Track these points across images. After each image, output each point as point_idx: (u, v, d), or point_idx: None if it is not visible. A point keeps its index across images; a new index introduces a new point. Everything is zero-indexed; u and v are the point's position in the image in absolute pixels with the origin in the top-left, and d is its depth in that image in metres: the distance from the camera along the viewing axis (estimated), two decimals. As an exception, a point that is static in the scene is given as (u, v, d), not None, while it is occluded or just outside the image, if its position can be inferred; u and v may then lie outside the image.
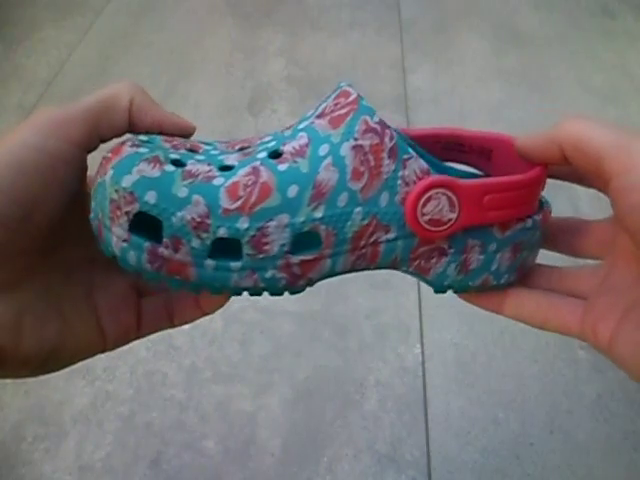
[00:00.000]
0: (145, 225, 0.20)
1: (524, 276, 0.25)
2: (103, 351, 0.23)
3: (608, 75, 1.22)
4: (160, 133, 0.23)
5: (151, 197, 0.19)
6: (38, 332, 0.20)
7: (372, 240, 0.22)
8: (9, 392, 0.74)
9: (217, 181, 0.20)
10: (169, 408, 0.73)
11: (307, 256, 0.21)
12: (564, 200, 0.96)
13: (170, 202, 0.19)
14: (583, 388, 0.74)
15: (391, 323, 0.81)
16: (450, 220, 0.22)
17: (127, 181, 0.19)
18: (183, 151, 0.22)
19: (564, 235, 0.26)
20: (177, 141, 0.23)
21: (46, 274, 0.21)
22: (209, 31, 1.36)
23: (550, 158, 0.23)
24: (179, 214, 0.19)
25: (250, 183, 0.20)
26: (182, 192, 0.20)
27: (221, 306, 0.24)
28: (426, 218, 0.22)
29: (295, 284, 0.22)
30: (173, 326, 0.25)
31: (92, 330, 0.23)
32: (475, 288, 0.24)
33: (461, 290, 0.25)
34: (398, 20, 1.37)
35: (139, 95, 0.23)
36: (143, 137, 0.22)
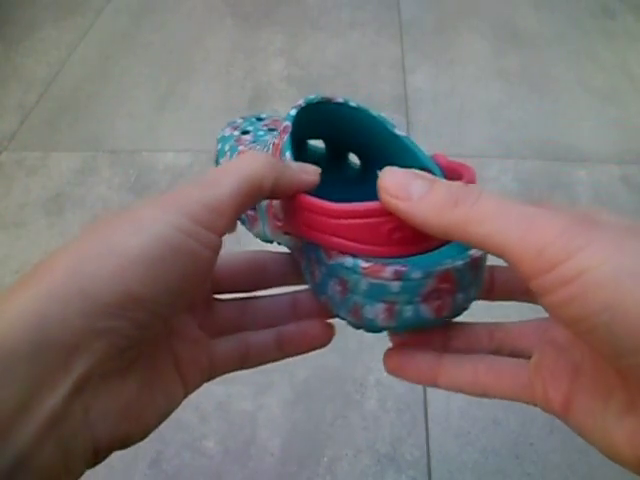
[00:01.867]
0: None
1: (459, 338, 0.24)
2: (184, 398, 0.22)
3: (608, 75, 1.22)
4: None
5: None
6: (154, 404, 0.20)
7: None
8: (9, 392, 0.74)
9: None
10: (169, 408, 0.73)
11: None
12: (563, 200, 0.96)
13: None
14: (583, 388, 0.74)
15: (391, 323, 0.81)
16: (280, 220, 0.24)
17: None
18: None
19: (515, 282, 0.24)
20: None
21: (145, 342, 0.19)
22: (209, 31, 1.36)
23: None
24: None
25: None
26: None
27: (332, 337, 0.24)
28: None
29: None
30: (243, 368, 0.24)
31: (175, 380, 0.22)
32: (348, 319, 0.23)
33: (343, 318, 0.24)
34: (398, 20, 1.37)
35: (279, 177, 0.21)
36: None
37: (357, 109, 0.25)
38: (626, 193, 0.98)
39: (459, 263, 0.21)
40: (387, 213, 0.19)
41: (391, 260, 0.21)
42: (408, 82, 1.20)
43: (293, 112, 0.24)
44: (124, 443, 0.19)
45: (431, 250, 0.21)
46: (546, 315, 0.18)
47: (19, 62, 1.29)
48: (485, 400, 0.74)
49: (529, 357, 0.21)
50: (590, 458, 0.68)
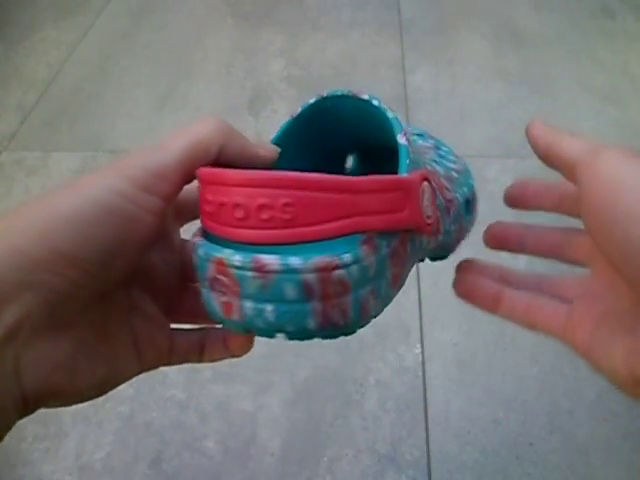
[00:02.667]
0: None
1: (515, 282, 0.26)
2: (137, 374, 0.23)
3: (608, 75, 1.22)
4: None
5: None
6: (91, 366, 0.20)
7: None
8: (9, 392, 0.74)
9: None
10: (169, 408, 0.73)
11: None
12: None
13: None
14: (583, 388, 0.74)
15: (391, 323, 0.81)
16: None
17: None
18: None
19: (556, 243, 0.26)
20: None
21: (96, 307, 0.21)
22: (209, 31, 1.36)
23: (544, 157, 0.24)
24: None
25: None
26: None
27: (248, 350, 0.24)
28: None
29: None
30: (202, 361, 0.25)
31: (131, 354, 0.22)
32: None
33: None
34: (398, 20, 1.37)
35: (229, 141, 0.21)
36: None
37: (377, 108, 0.23)
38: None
39: (237, 258, 0.18)
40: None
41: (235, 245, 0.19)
42: (408, 82, 1.20)
43: (312, 100, 0.24)
44: (56, 398, 0.19)
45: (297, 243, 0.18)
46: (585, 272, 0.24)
47: (19, 62, 1.29)
48: (485, 400, 0.74)
49: (568, 301, 0.24)
50: (590, 458, 0.68)
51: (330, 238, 0.18)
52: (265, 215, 0.18)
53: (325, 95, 0.24)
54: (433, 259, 0.28)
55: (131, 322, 0.22)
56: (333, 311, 0.19)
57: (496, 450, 0.69)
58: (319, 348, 0.78)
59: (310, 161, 0.25)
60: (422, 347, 0.79)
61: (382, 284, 0.21)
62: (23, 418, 0.19)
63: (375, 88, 1.18)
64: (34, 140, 1.11)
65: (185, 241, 0.25)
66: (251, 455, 0.70)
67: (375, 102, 0.23)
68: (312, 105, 0.24)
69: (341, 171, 0.29)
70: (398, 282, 0.22)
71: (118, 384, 0.22)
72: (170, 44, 1.32)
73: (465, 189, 0.28)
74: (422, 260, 0.27)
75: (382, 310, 0.22)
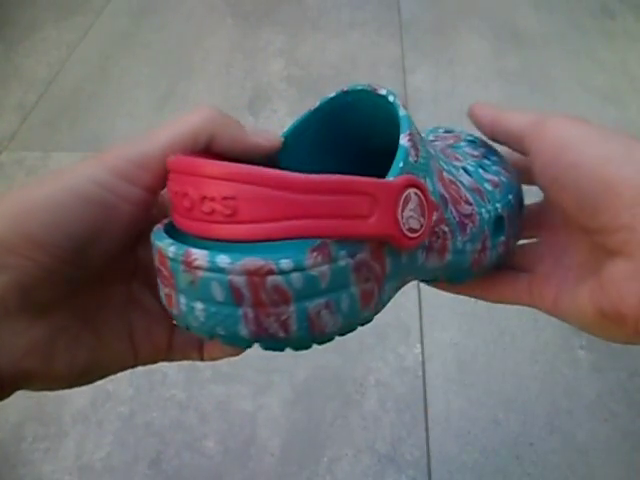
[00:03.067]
0: None
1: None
2: (133, 367, 0.23)
3: (608, 75, 1.22)
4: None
5: None
6: (71, 353, 0.20)
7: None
8: (9, 392, 0.74)
9: None
10: (169, 408, 0.73)
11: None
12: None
13: None
14: (583, 388, 0.74)
15: (391, 323, 0.81)
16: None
17: None
18: None
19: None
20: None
21: (85, 293, 0.21)
22: (209, 31, 1.36)
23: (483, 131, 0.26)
24: None
25: None
26: None
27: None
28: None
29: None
30: (202, 359, 0.25)
31: (125, 346, 0.22)
32: None
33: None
34: (398, 20, 1.37)
35: (220, 131, 0.21)
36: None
37: (392, 104, 0.22)
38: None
39: (171, 249, 0.17)
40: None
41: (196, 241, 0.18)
42: (408, 82, 1.20)
43: (332, 94, 0.23)
44: (30, 382, 0.19)
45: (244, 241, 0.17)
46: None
47: (19, 62, 1.29)
48: (485, 400, 0.74)
49: (526, 271, 0.26)
50: (590, 458, 0.68)
51: (274, 240, 0.16)
52: (206, 208, 0.16)
53: (346, 89, 0.23)
54: (451, 281, 0.25)
55: (128, 315, 0.23)
56: (269, 321, 0.18)
57: (496, 450, 0.69)
58: (319, 348, 0.78)
59: (327, 157, 0.25)
60: (422, 347, 0.79)
61: (342, 299, 0.18)
62: (2, 400, 0.19)
63: (375, 88, 1.18)
64: (34, 140, 1.11)
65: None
66: (251, 455, 0.70)
67: (391, 98, 0.22)
68: (332, 99, 0.23)
69: (356, 169, 0.28)
70: (372, 301, 0.20)
71: (109, 373, 0.22)
72: (170, 44, 1.32)
73: (498, 205, 0.25)
74: (431, 281, 0.25)
75: (349, 329, 0.20)
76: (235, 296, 0.17)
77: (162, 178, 0.20)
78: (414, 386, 0.75)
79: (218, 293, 0.17)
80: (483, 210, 0.24)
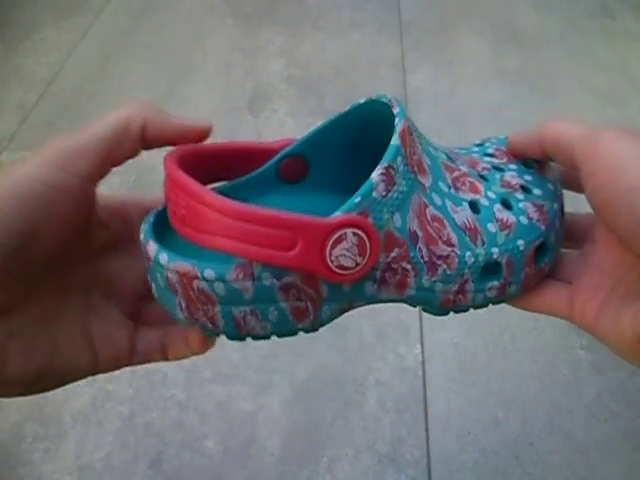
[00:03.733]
0: None
1: None
2: (94, 374, 0.23)
3: (608, 75, 1.22)
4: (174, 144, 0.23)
5: None
6: (25, 356, 0.20)
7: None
8: (9, 392, 0.74)
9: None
10: (169, 408, 0.73)
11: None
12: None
13: None
14: (583, 388, 0.74)
15: (391, 323, 0.81)
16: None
17: None
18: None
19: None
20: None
21: (41, 299, 0.21)
22: (209, 31, 1.36)
23: (534, 154, 0.25)
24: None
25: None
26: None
27: (207, 346, 0.24)
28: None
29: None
30: (167, 359, 0.25)
31: (84, 353, 0.22)
32: None
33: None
34: (398, 20, 1.37)
35: (151, 116, 0.22)
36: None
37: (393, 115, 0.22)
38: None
39: (141, 237, 0.21)
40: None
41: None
42: (408, 82, 1.20)
43: (362, 100, 0.24)
44: (8, 384, 0.20)
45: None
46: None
47: (19, 62, 1.29)
48: (485, 400, 0.74)
49: (568, 282, 0.25)
50: (590, 458, 0.68)
51: (213, 249, 0.19)
52: (178, 211, 0.20)
53: (375, 98, 0.23)
54: (425, 311, 0.26)
55: (87, 322, 0.23)
56: (199, 314, 0.21)
57: (496, 450, 0.69)
58: (319, 348, 0.78)
59: (355, 159, 0.25)
60: (422, 347, 0.78)
61: (269, 311, 0.21)
62: None
63: (375, 88, 1.18)
64: (34, 140, 1.11)
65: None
66: (251, 455, 0.70)
67: (396, 121, 0.22)
68: (362, 105, 0.24)
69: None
70: (306, 318, 0.22)
71: (69, 380, 0.22)
72: (170, 44, 1.32)
73: (495, 250, 0.23)
74: (412, 305, 0.24)
75: (287, 334, 0.22)
76: (171, 287, 0.20)
77: (99, 166, 0.21)
78: (414, 386, 0.75)
79: (160, 281, 0.21)
80: (468, 253, 0.23)
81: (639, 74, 1.21)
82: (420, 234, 0.21)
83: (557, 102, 1.16)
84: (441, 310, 0.24)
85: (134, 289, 0.25)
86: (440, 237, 0.22)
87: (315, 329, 0.22)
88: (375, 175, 0.20)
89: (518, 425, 0.71)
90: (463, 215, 0.23)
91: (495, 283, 0.24)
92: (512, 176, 0.25)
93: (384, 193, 0.20)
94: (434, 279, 0.22)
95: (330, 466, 0.68)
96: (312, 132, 0.25)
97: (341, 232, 0.19)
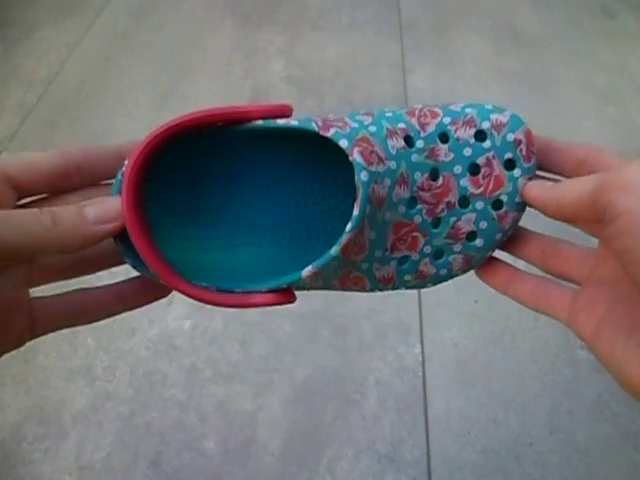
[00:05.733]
0: None
1: (517, 243, 0.26)
2: None
3: (608, 75, 1.22)
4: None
5: None
6: None
7: None
8: (9, 392, 0.74)
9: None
10: (169, 408, 0.73)
11: None
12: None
13: None
14: (583, 388, 0.74)
15: (391, 323, 0.81)
16: None
17: None
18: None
19: (537, 250, 0.26)
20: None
21: None
22: (209, 31, 1.36)
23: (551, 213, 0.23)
24: None
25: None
26: None
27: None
28: None
29: None
30: (80, 324, 0.24)
31: None
32: None
33: None
34: (398, 20, 1.37)
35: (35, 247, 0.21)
36: None
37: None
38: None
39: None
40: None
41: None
42: (408, 82, 1.20)
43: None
44: None
45: None
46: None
47: (19, 62, 1.29)
48: (485, 400, 0.74)
49: (577, 283, 0.24)
50: (590, 458, 0.68)
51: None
52: None
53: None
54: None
55: None
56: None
57: (496, 450, 0.69)
58: (319, 348, 0.78)
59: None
60: (422, 347, 0.78)
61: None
62: None
63: (375, 88, 1.18)
64: (34, 140, 1.11)
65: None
66: (251, 455, 0.70)
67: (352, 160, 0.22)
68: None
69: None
70: None
71: None
72: (170, 44, 1.32)
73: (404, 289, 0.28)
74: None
75: None
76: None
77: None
78: (414, 386, 0.75)
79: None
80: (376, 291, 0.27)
81: (639, 74, 1.21)
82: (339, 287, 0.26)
83: (557, 102, 1.16)
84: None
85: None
86: (356, 284, 0.26)
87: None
88: (304, 273, 0.22)
89: (518, 425, 0.71)
90: (384, 270, 0.25)
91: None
92: (467, 221, 0.25)
93: (309, 282, 0.23)
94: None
95: (330, 466, 0.68)
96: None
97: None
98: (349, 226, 0.22)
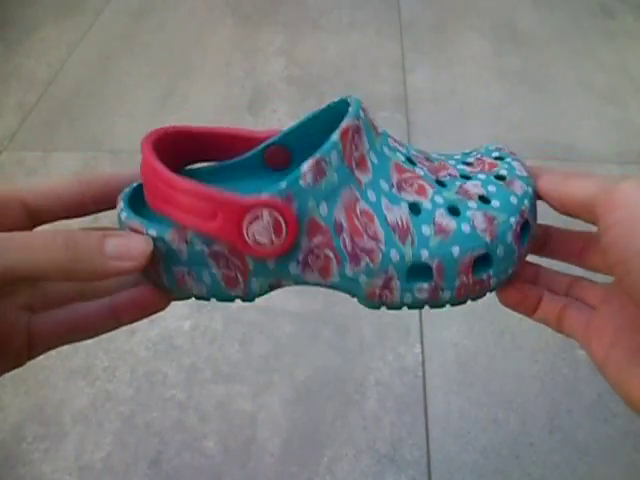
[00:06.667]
0: None
1: (547, 281, 0.26)
2: None
3: (608, 75, 1.22)
4: None
5: None
6: None
7: None
8: (9, 392, 0.74)
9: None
10: (169, 408, 0.73)
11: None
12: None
13: None
14: (583, 388, 0.74)
15: (391, 323, 0.81)
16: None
17: None
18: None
19: (574, 246, 0.26)
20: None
21: None
22: (209, 31, 1.36)
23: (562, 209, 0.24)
24: None
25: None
26: None
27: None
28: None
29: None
30: (76, 340, 0.24)
31: None
32: None
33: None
34: (398, 20, 1.37)
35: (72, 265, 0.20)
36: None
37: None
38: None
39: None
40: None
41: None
42: (408, 82, 1.20)
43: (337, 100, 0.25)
44: None
45: None
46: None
47: (19, 62, 1.29)
48: (485, 400, 0.74)
49: (592, 308, 0.25)
50: (590, 458, 0.68)
51: (165, 215, 0.23)
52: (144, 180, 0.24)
53: (344, 98, 0.25)
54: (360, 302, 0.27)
55: None
56: (148, 268, 0.23)
57: (496, 450, 0.69)
58: (319, 348, 0.78)
59: None
60: (422, 347, 0.78)
61: (204, 274, 0.24)
62: None
63: (375, 88, 1.18)
64: (34, 140, 1.11)
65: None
66: (251, 455, 0.70)
67: (343, 122, 0.24)
68: (336, 103, 0.25)
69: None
70: (237, 286, 0.24)
71: None
72: (170, 44, 1.32)
73: (425, 252, 0.23)
74: (343, 292, 0.25)
75: (224, 299, 0.25)
76: None
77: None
78: (414, 386, 0.75)
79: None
80: (393, 250, 0.23)
81: (639, 74, 1.21)
82: (345, 225, 0.23)
83: (557, 102, 1.16)
84: (370, 302, 0.25)
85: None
86: (366, 231, 0.23)
87: (250, 299, 0.25)
88: (305, 165, 0.22)
89: (518, 425, 0.71)
90: (397, 213, 0.23)
91: (425, 285, 0.24)
92: (475, 185, 0.25)
93: (312, 182, 0.22)
94: (357, 270, 0.23)
95: (330, 466, 0.68)
96: (295, 125, 0.26)
97: (257, 211, 0.22)
98: (346, 119, 0.23)
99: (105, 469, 0.69)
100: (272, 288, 0.25)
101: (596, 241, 0.25)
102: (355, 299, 0.25)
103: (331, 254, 0.23)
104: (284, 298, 0.83)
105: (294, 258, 0.23)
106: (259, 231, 0.22)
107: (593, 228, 0.23)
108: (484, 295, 0.25)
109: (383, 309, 0.25)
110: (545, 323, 0.26)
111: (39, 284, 0.24)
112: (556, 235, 0.26)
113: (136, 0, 1.45)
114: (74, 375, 0.76)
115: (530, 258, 0.26)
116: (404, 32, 1.33)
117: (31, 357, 0.23)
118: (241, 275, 0.24)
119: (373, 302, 0.25)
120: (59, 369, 0.76)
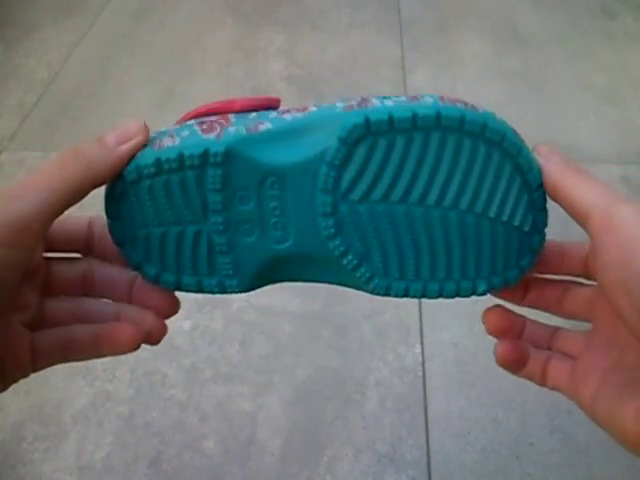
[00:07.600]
0: None
1: (531, 335, 0.26)
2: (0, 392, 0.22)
3: (608, 75, 1.22)
4: None
5: None
6: None
7: None
8: (9, 392, 0.74)
9: None
10: (169, 408, 0.73)
11: None
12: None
13: None
14: (583, 388, 0.74)
15: (391, 323, 0.81)
16: None
17: None
18: None
19: (553, 295, 0.26)
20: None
21: None
22: (209, 31, 1.36)
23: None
24: None
25: None
26: None
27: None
28: None
29: None
30: (69, 361, 0.24)
31: None
32: None
33: None
34: (398, 20, 1.37)
35: (94, 173, 0.21)
36: None
37: None
38: (626, 193, 0.98)
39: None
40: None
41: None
42: (408, 82, 1.20)
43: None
44: None
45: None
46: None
47: (19, 62, 1.29)
48: (485, 400, 0.74)
49: (573, 358, 0.25)
50: (590, 458, 0.68)
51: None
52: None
53: None
54: None
55: None
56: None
57: (496, 450, 0.69)
58: (319, 348, 0.78)
59: None
60: (422, 347, 0.78)
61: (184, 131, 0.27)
62: None
63: (375, 88, 1.18)
64: (34, 140, 1.11)
65: (49, 259, 0.24)
66: (251, 455, 0.70)
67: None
68: None
69: None
70: (213, 131, 0.25)
71: None
72: (170, 44, 1.32)
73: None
74: None
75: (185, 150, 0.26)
76: None
77: (43, 234, 0.21)
78: (414, 386, 0.75)
79: None
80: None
81: (639, 74, 1.21)
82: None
83: (557, 102, 1.16)
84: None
85: (28, 298, 0.23)
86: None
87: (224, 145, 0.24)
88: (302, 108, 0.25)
89: (518, 425, 0.71)
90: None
91: None
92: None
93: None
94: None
95: (330, 466, 0.68)
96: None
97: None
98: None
99: (105, 469, 0.69)
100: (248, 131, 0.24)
101: (574, 289, 0.25)
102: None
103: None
104: (284, 298, 0.83)
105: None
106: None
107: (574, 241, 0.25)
108: None
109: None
110: (529, 378, 0.26)
111: (41, 303, 0.24)
112: (535, 285, 0.26)
113: (136, 0, 1.45)
114: (74, 375, 0.76)
115: (514, 308, 0.27)
116: (404, 32, 1.33)
117: (35, 370, 0.24)
118: (219, 125, 0.24)
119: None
120: (59, 369, 0.76)
